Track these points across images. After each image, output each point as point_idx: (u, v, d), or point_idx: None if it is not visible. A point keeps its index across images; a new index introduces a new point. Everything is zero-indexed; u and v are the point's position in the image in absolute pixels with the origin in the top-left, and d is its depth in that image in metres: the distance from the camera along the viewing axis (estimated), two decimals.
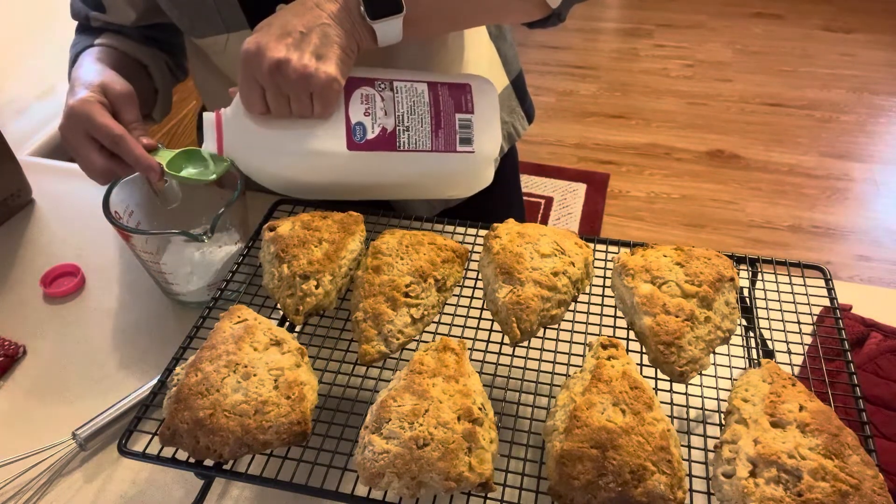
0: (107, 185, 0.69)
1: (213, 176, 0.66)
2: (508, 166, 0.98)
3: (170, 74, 0.87)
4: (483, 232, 0.69)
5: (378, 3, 0.60)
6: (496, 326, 0.58)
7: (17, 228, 0.88)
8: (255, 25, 0.69)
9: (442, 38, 0.78)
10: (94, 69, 0.73)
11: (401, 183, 0.68)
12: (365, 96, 0.64)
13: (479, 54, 0.85)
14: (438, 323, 0.62)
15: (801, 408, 0.47)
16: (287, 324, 0.63)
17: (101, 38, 0.80)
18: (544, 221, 2.22)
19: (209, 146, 0.66)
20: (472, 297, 0.63)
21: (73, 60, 0.80)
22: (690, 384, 0.54)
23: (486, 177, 0.69)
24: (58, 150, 1.07)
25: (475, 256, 0.67)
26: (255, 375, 0.50)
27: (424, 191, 0.71)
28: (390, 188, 0.69)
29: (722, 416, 0.52)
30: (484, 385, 0.53)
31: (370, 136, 0.62)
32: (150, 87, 0.85)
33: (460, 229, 0.70)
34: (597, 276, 0.64)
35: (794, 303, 0.61)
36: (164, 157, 0.68)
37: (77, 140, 0.67)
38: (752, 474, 0.44)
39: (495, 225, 0.63)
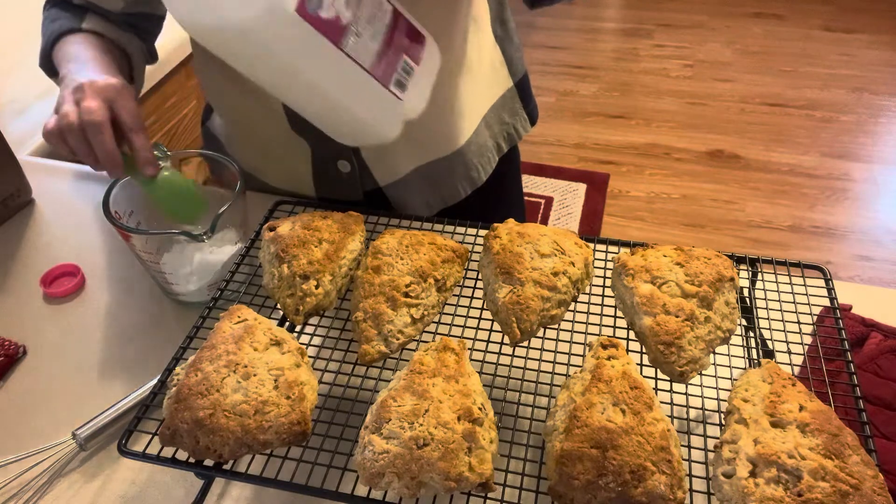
0: (110, 181, 0.69)
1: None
2: (509, 167, 0.98)
3: (143, 62, 0.87)
4: (483, 232, 0.69)
5: None
6: (496, 326, 0.58)
7: (17, 228, 0.88)
8: None
9: (445, 38, 0.77)
10: (104, 60, 0.73)
11: (321, 90, 0.59)
12: None
13: (481, 56, 0.85)
14: (438, 323, 0.62)
15: (801, 408, 0.47)
16: (287, 324, 0.63)
17: (87, 23, 0.78)
18: (544, 221, 2.22)
19: None
20: (472, 297, 0.63)
21: (56, 37, 0.78)
22: (690, 384, 0.54)
23: (393, 132, 0.65)
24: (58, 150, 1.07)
25: (475, 256, 0.67)
26: (255, 375, 0.50)
27: (334, 114, 0.64)
28: (305, 91, 0.61)
29: (722, 416, 0.52)
30: (484, 385, 0.53)
31: (323, 13, 0.54)
32: (129, 75, 0.84)
33: (460, 229, 0.70)
34: (597, 276, 0.64)
35: (794, 303, 0.61)
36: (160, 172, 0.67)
37: (102, 116, 0.64)
38: (752, 474, 0.44)
39: (495, 225, 0.63)
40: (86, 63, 0.72)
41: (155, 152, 0.69)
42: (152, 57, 0.89)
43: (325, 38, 0.55)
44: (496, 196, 0.97)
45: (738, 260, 0.63)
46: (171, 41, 1.29)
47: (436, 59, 0.65)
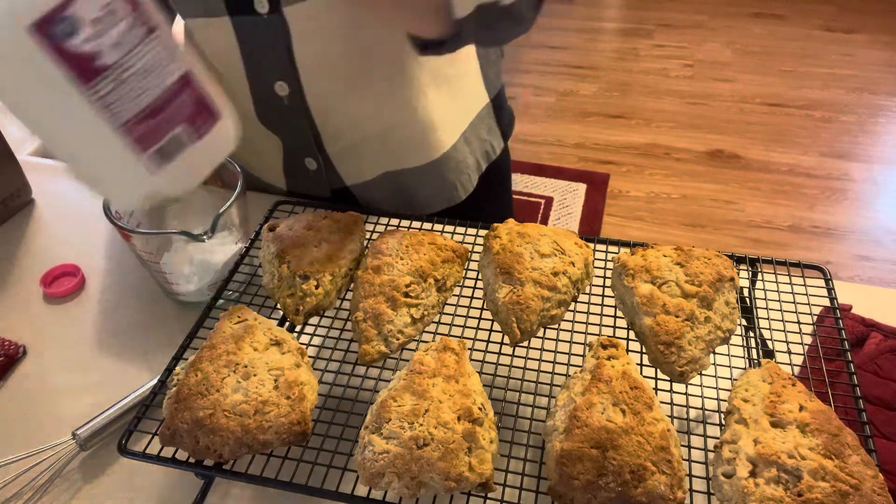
0: None
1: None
2: (497, 176, 0.96)
3: None
4: (483, 232, 0.69)
5: None
6: (496, 326, 0.58)
7: (17, 228, 0.88)
8: (234, 13, 0.68)
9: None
10: None
11: (48, 132, 0.48)
12: (109, 7, 0.44)
13: (459, 70, 0.83)
14: (438, 323, 0.62)
15: (801, 408, 0.47)
16: (287, 324, 0.63)
17: None
18: (544, 221, 2.22)
19: None
20: (472, 297, 0.63)
21: None
22: (690, 384, 0.54)
23: (130, 205, 0.56)
24: None
25: (475, 256, 0.67)
26: (255, 375, 0.50)
27: (64, 157, 0.51)
28: (30, 121, 0.48)
29: (722, 416, 0.52)
30: (484, 385, 0.53)
31: (72, 42, 0.43)
32: None
33: (460, 229, 0.70)
34: (597, 276, 0.64)
35: (794, 303, 0.61)
36: None
37: None
38: (752, 474, 0.44)
39: (495, 225, 0.63)
40: None
41: None
42: None
43: (66, 74, 0.44)
44: (486, 203, 0.96)
45: (738, 260, 0.63)
46: None
47: (228, 141, 0.54)
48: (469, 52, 0.84)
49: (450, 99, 0.83)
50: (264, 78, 0.76)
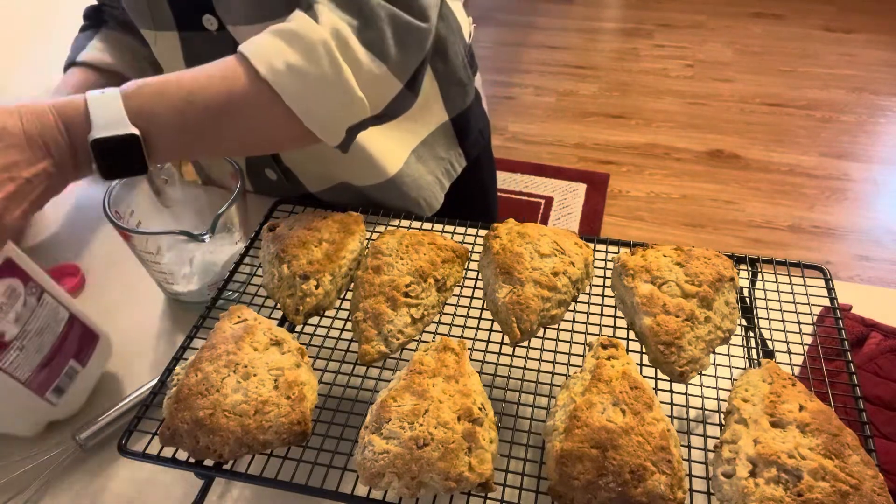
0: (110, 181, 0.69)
1: None
2: (471, 190, 0.95)
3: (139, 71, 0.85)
4: (483, 232, 0.69)
5: (114, 168, 0.52)
6: (496, 326, 0.58)
7: None
8: (184, 28, 0.69)
9: None
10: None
11: None
12: (10, 290, 0.54)
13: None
14: (438, 323, 0.62)
15: (801, 408, 0.47)
16: (287, 324, 0.63)
17: (84, 53, 0.80)
18: (544, 221, 2.22)
19: None
20: (472, 297, 0.63)
21: (66, 69, 0.81)
22: (690, 384, 0.54)
23: (31, 432, 0.62)
24: None
25: (475, 256, 0.67)
26: (255, 375, 0.50)
27: None
28: None
29: (722, 416, 0.52)
30: (484, 385, 0.53)
31: None
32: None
33: (460, 229, 0.70)
34: (597, 276, 0.64)
35: (794, 303, 0.61)
36: None
37: None
38: (752, 474, 0.44)
39: (495, 225, 0.63)
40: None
41: None
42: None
43: None
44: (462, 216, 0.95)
45: (738, 260, 0.63)
46: None
47: (108, 353, 0.65)
48: (424, 80, 0.79)
49: (391, 125, 0.79)
50: None
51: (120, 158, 0.52)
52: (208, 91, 0.55)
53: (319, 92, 0.58)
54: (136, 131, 0.52)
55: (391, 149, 0.83)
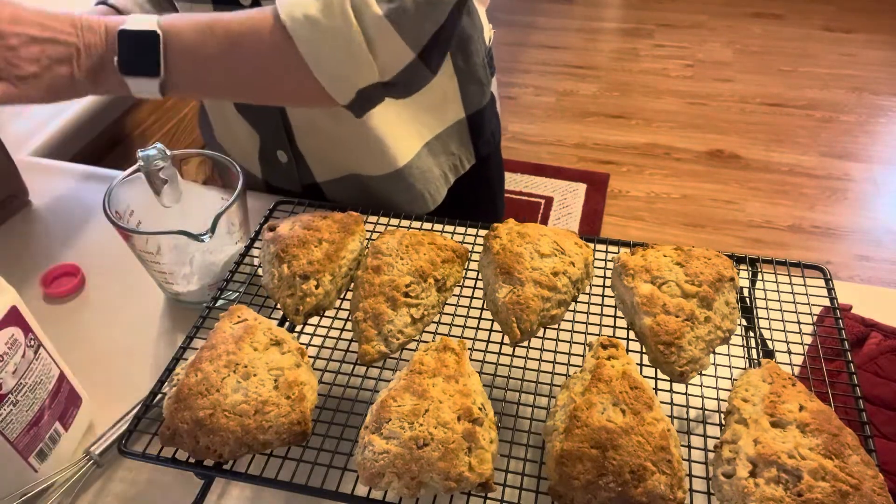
0: (110, 181, 0.69)
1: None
2: (476, 187, 0.96)
3: None
4: (483, 232, 0.69)
5: (132, 63, 0.58)
6: (496, 326, 0.58)
7: (16, 228, 0.88)
8: (218, 3, 0.69)
9: None
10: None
11: None
12: (12, 339, 0.53)
13: (430, 86, 0.81)
14: (438, 323, 0.62)
15: (801, 408, 0.47)
16: (287, 324, 0.63)
17: None
18: (544, 221, 2.22)
19: None
20: (472, 297, 0.63)
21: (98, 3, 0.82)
22: (690, 384, 0.54)
23: (8, 493, 0.61)
24: (58, 150, 1.07)
25: (475, 256, 0.67)
26: (255, 375, 0.50)
27: None
28: None
29: (722, 416, 0.52)
30: (484, 385, 0.53)
31: None
32: None
33: (460, 229, 0.70)
34: (597, 276, 0.64)
35: (794, 303, 0.61)
36: None
37: None
38: (752, 474, 0.44)
39: (495, 225, 0.63)
40: None
41: (154, 152, 0.69)
42: None
43: None
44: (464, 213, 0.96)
45: (738, 260, 0.63)
46: None
47: (87, 417, 0.64)
48: (443, 72, 0.82)
49: (413, 110, 0.82)
50: None
51: (139, 54, 0.58)
52: (230, 23, 0.60)
53: (330, 44, 0.60)
54: (157, 29, 0.58)
55: (405, 139, 0.83)
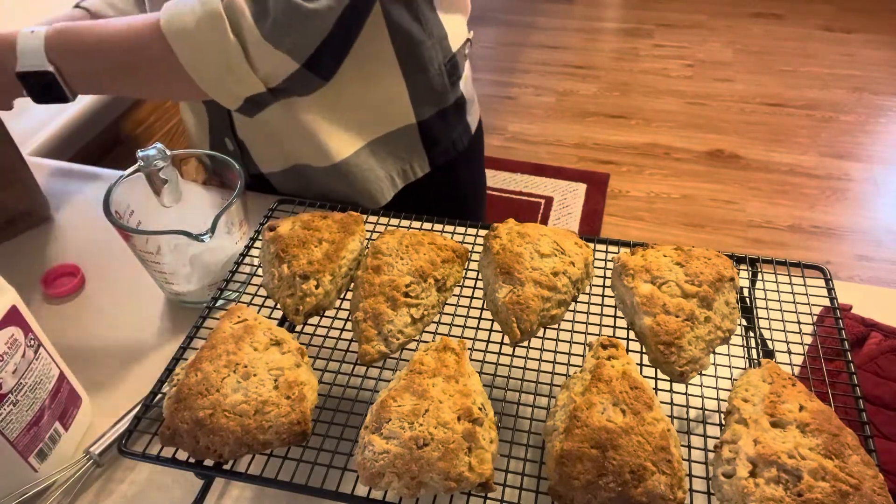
0: (110, 181, 0.69)
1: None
2: (428, 193, 0.94)
3: None
4: (483, 232, 0.69)
5: (42, 96, 0.62)
6: (496, 326, 0.58)
7: (16, 228, 0.88)
8: None
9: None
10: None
11: None
12: (12, 339, 0.53)
13: (371, 89, 0.82)
14: (438, 323, 0.62)
15: (801, 408, 0.47)
16: (287, 324, 0.63)
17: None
18: (544, 221, 2.22)
19: None
20: (472, 297, 0.63)
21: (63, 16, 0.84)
22: (690, 384, 0.54)
23: (10, 491, 0.61)
24: (57, 150, 1.07)
25: (475, 256, 0.67)
26: (255, 375, 0.50)
27: None
28: None
29: (722, 416, 0.52)
30: (484, 385, 0.53)
31: None
32: None
33: (460, 229, 0.70)
34: (597, 276, 0.64)
35: (794, 303, 0.61)
36: None
37: None
38: (752, 474, 0.44)
39: (495, 225, 0.63)
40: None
41: (154, 152, 0.69)
42: None
43: None
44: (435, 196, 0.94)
45: (738, 260, 0.63)
46: None
47: (87, 420, 0.64)
48: (388, 73, 0.81)
49: (350, 111, 0.82)
50: None
51: (42, 88, 0.62)
52: (116, 36, 0.63)
53: (207, 57, 0.63)
54: (50, 69, 0.61)
55: (341, 135, 0.83)
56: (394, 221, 0.72)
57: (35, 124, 1.08)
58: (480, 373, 0.54)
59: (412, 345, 0.58)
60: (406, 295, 0.57)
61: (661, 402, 0.50)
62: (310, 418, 0.50)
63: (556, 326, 0.59)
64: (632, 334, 0.58)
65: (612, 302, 0.61)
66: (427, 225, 0.71)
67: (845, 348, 0.56)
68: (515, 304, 0.55)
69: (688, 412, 0.55)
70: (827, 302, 0.60)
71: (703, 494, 0.49)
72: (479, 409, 0.49)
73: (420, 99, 0.85)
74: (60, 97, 0.63)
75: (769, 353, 0.58)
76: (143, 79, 0.68)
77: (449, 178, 0.94)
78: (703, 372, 0.54)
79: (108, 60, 0.65)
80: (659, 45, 3.16)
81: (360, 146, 0.85)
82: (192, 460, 0.50)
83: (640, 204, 2.30)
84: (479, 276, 0.63)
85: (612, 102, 2.80)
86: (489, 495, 0.48)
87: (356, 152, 0.85)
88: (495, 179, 2.41)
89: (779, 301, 0.60)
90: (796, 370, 0.57)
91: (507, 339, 0.56)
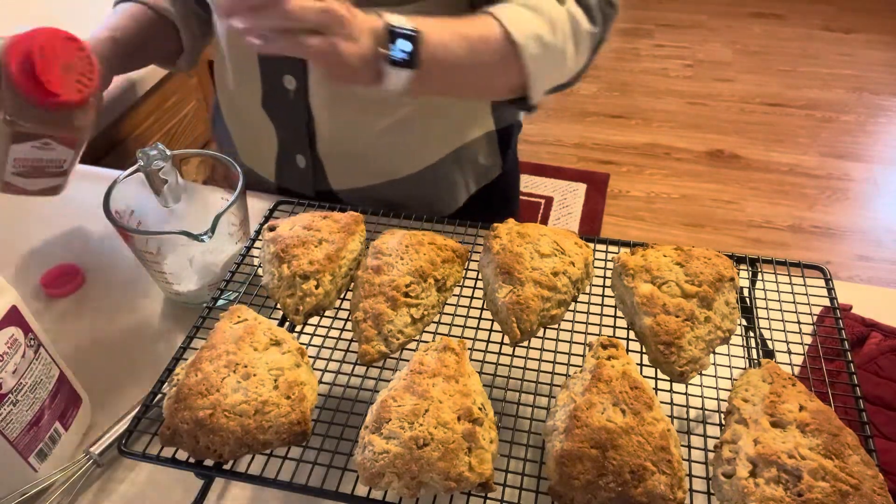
0: (110, 181, 0.69)
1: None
2: (494, 196, 0.97)
3: (199, 31, 0.88)
4: (483, 232, 0.69)
5: (399, 57, 0.62)
6: (496, 326, 0.58)
7: (17, 228, 0.88)
8: None
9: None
10: (123, 29, 0.78)
11: None
12: (12, 339, 0.53)
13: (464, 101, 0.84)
14: (438, 323, 0.62)
15: (801, 408, 0.47)
16: (287, 324, 0.63)
17: None
18: (544, 221, 2.22)
19: None
20: (472, 297, 0.63)
21: (115, 4, 0.85)
22: (690, 384, 0.54)
23: (9, 491, 0.60)
24: None
25: (475, 256, 0.67)
26: (255, 375, 0.50)
27: None
28: None
29: (722, 416, 0.52)
30: (484, 385, 0.53)
31: None
32: (176, 44, 0.87)
33: (460, 229, 0.70)
34: (597, 276, 0.64)
35: (794, 303, 0.61)
36: None
37: None
38: (752, 474, 0.44)
39: (495, 225, 0.63)
40: (100, 32, 0.76)
41: (154, 152, 0.69)
42: (210, 28, 0.89)
43: None
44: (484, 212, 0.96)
45: (738, 260, 0.63)
46: None
47: (86, 420, 0.64)
48: None
49: (437, 119, 0.84)
50: (275, 68, 0.78)
51: (402, 49, 0.61)
52: (468, 31, 0.66)
53: (551, 59, 0.68)
54: (418, 29, 0.61)
55: (429, 143, 0.85)
56: (394, 221, 0.72)
57: None
58: (480, 373, 0.54)
59: (412, 345, 0.58)
60: (406, 295, 0.57)
61: (661, 402, 0.50)
62: (310, 418, 0.50)
63: (556, 326, 0.59)
64: (632, 334, 0.58)
65: (612, 302, 0.61)
66: (427, 225, 0.71)
67: (845, 348, 0.56)
68: (515, 304, 0.55)
69: (688, 412, 0.55)
70: (827, 302, 0.60)
71: (703, 494, 0.49)
72: (479, 409, 0.49)
73: (499, 109, 0.88)
74: (411, 63, 0.62)
75: (769, 353, 0.58)
76: (481, 75, 0.69)
77: (509, 180, 0.98)
78: (703, 372, 0.54)
79: (462, 49, 0.65)
80: (659, 45, 3.16)
81: (444, 154, 0.86)
82: (192, 460, 0.50)
83: (640, 204, 2.30)
84: (479, 276, 0.63)
85: (612, 102, 2.80)
86: (489, 495, 0.48)
87: (441, 160, 0.86)
88: None
89: (779, 301, 0.60)
90: (796, 370, 0.57)
91: (507, 339, 0.56)
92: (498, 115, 0.89)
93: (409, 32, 0.60)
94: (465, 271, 0.63)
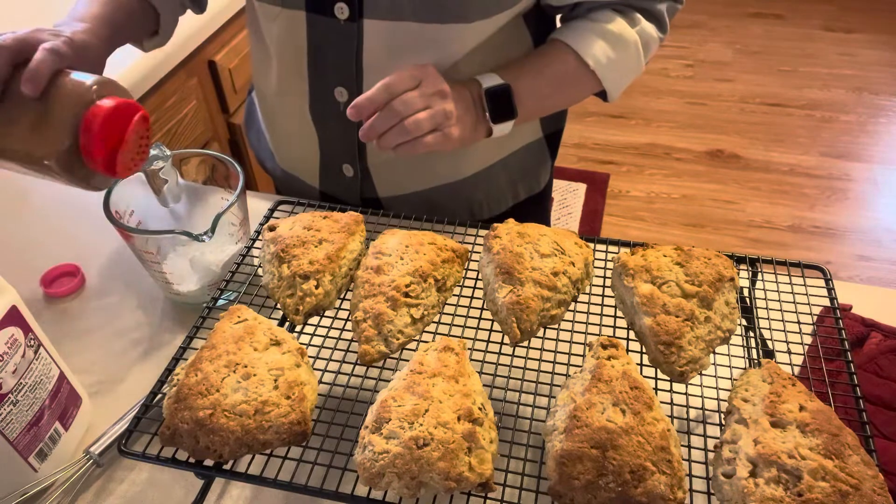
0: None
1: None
2: (536, 205, 0.97)
3: (175, 15, 0.83)
4: (483, 232, 0.69)
5: (499, 112, 0.72)
6: (496, 326, 0.58)
7: (17, 228, 0.88)
8: (313, 8, 0.71)
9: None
10: (101, 13, 0.70)
11: None
12: (12, 339, 0.53)
13: None
14: (438, 323, 0.62)
15: (801, 408, 0.47)
16: (287, 324, 0.63)
17: None
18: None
19: None
20: (472, 297, 0.63)
21: None
22: (690, 384, 0.54)
23: (9, 492, 0.60)
24: None
25: (475, 256, 0.67)
26: (255, 375, 0.50)
27: None
28: None
29: (722, 416, 0.52)
30: (484, 385, 0.53)
31: None
32: (153, 24, 0.81)
33: (460, 229, 0.70)
34: (597, 276, 0.64)
35: (794, 303, 0.61)
36: None
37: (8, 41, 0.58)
38: (752, 474, 0.44)
39: (495, 225, 0.63)
40: (76, 17, 0.68)
41: (155, 152, 0.69)
42: (198, 6, 0.86)
43: None
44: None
45: (738, 260, 0.63)
46: (171, 42, 1.29)
47: (87, 417, 0.64)
48: None
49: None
50: (326, 80, 0.76)
51: (499, 105, 0.73)
52: (547, 67, 0.77)
53: (626, 76, 0.80)
54: (506, 83, 0.73)
55: (478, 150, 0.85)
56: (394, 221, 0.72)
57: None
58: (480, 373, 0.54)
59: (412, 345, 0.58)
60: (406, 295, 0.57)
61: (661, 402, 0.50)
62: (310, 418, 0.50)
63: (556, 326, 0.59)
64: (632, 334, 0.58)
65: (612, 302, 0.61)
66: (427, 225, 0.71)
67: (845, 348, 0.56)
68: (515, 304, 0.55)
69: (688, 412, 0.55)
70: (827, 302, 0.60)
71: (703, 494, 0.49)
72: (480, 409, 0.49)
73: (546, 115, 0.90)
74: (510, 114, 0.73)
75: (769, 353, 0.58)
76: (567, 98, 0.85)
77: (546, 191, 0.99)
78: (703, 372, 0.54)
79: (547, 86, 0.77)
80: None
81: (493, 161, 0.87)
82: (192, 460, 0.50)
83: (640, 204, 2.30)
84: (479, 276, 0.63)
85: (613, 102, 2.80)
86: (489, 495, 0.48)
87: (490, 166, 0.86)
88: None
89: (779, 301, 0.60)
90: (796, 370, 0.57)
91: (507, 339, 0.56)
92: (544, 122, 0.90)
93: (502, 87, 0.72)
94: (465, 271, 0.63)
